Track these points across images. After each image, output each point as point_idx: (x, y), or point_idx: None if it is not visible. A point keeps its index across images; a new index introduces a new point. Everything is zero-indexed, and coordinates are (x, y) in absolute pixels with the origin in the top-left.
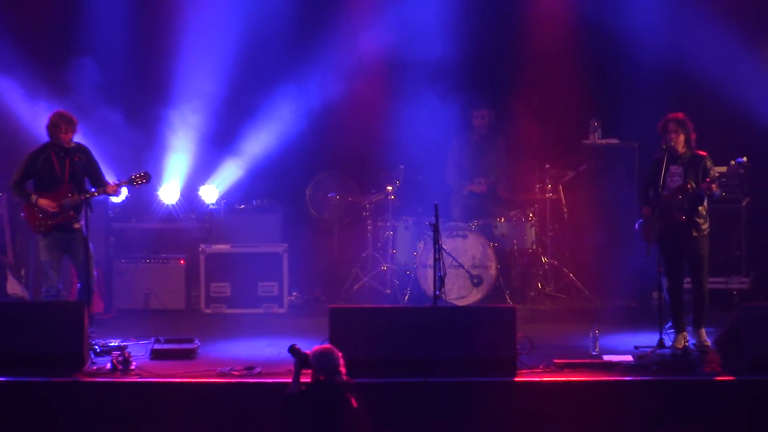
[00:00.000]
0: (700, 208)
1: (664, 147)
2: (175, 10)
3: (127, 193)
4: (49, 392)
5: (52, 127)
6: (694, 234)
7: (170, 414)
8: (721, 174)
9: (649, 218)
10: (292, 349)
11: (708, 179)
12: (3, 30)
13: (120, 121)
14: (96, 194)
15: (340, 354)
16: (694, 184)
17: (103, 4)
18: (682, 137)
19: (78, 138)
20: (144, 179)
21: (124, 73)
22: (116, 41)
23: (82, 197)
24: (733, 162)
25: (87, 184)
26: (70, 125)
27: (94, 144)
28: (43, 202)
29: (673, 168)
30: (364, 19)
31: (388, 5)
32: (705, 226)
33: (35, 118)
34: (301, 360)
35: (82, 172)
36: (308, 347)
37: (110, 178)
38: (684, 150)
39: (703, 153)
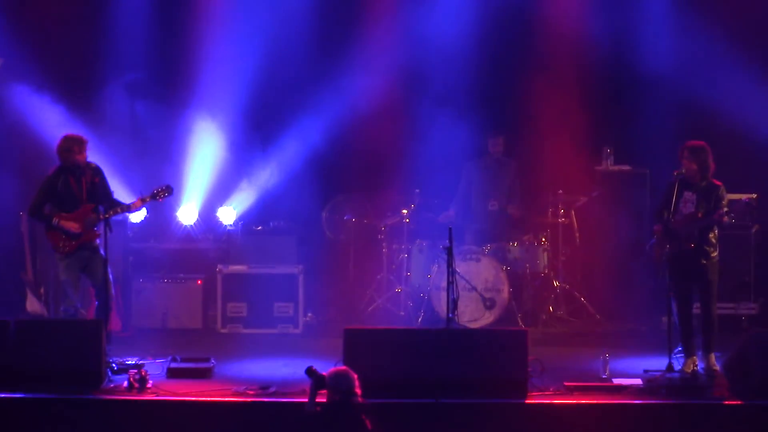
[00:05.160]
0: (710, 236)
1: (675, 174)
2: (192, 39)
3: (146, 213)
4: (66, 409)
5: (66, 152)
6: (703, 262)
7: None
8: (730, 202)
9: (660, 238)
10: (309, 371)
11: (721, 210)
12: (20, 39)
13: (139, 143)
14: (120, 211)
15: (355, 376)
16: (704, 213)
17: (126, 21)
18: (694, 166)
19: (97, 159)
20: (167, 192)
21: (145, 97)
22: (135, 65)
23: (106, 215)
24: (740, 197)
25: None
26: (83, 145)
27: (114, 165)
28: (67, 224)
29: (687, 194)
30: (380, 44)
31: (403, 32)
32: (714, 254)
33: (55, 134)
34: (317, 381)
35: (97, 189)
36: (323, 368)
37: (129, 198)
38: (699, 178)
39: (718, 183)
